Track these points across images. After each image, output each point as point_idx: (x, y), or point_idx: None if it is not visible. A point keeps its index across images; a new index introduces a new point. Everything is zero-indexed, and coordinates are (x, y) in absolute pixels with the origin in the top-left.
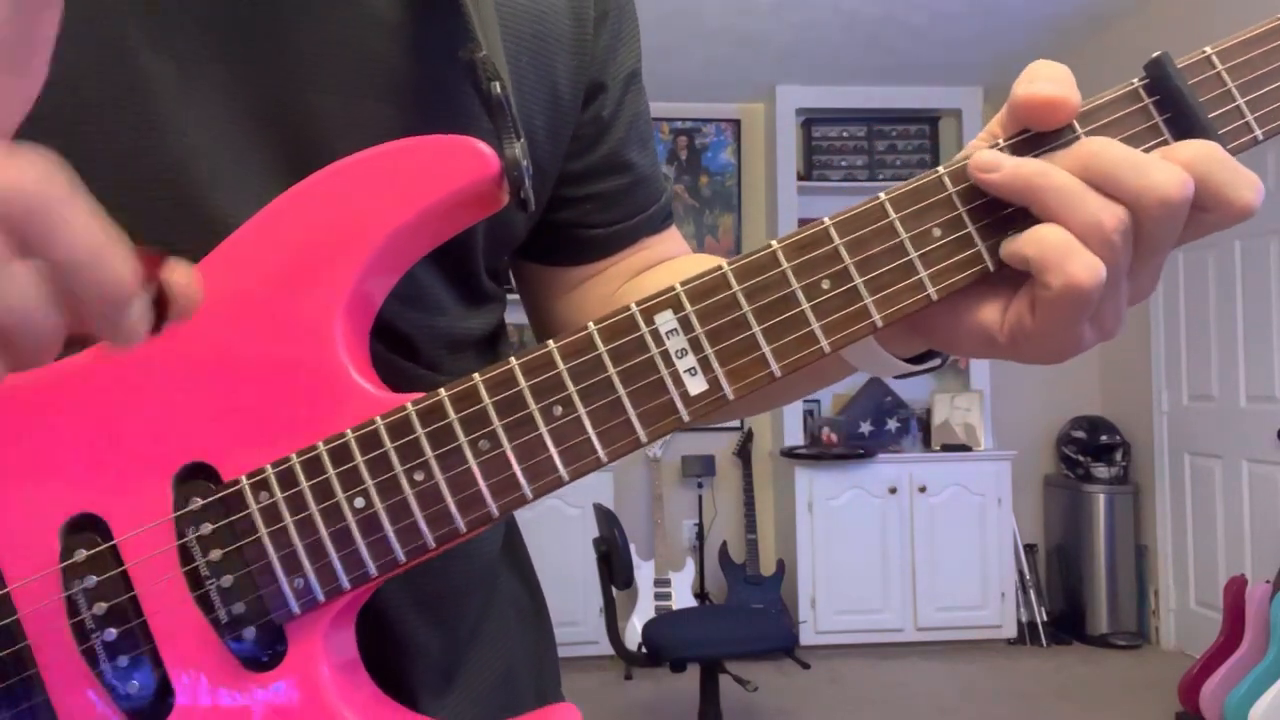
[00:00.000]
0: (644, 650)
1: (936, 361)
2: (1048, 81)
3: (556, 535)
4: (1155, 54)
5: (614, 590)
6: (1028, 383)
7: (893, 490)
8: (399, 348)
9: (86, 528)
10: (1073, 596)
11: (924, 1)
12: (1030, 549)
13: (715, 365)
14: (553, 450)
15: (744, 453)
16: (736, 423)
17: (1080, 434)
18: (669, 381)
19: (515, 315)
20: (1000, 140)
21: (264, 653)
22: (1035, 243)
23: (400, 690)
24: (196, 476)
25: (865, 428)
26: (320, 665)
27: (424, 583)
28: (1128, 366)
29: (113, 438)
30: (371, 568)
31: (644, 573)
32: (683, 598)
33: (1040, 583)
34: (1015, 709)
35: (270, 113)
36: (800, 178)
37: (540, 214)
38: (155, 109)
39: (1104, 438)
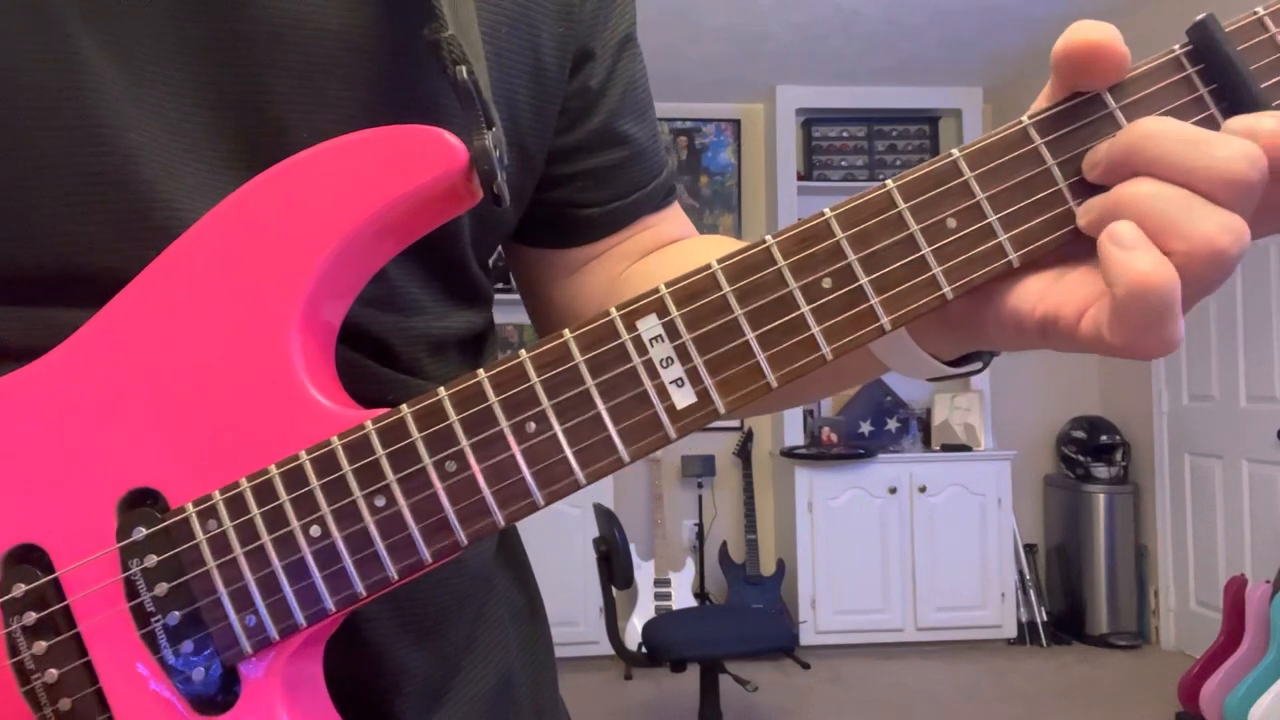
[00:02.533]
0: (644, 650)
1: (977, 365)
2: (1090, 29)
3: (556, 535)
4: (1200, 16)
5: (614, 590)
6: (1028, 383)
7: (893, 490)
8: (374, 353)
9: (25, 559)
10: (1073, 596)
11: (924, 1)
12: (1030, 549)
13: (704, 375)
14: (526, 472)
15: (744, 453)
16: (736, 423)
17: (1080, 434)
18: (654, 394)
19: (520, 315)
20: (1025, 118)
21: (216, 694)
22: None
23: (383, 716)
24: (143, 503)
25: (865, 428)
26: (277, 710)
27: (411, 600)
28: (1128, 366)
29: (53, 462)
30: (329, 603)
31: (644, 573)
32: (683, 598)
33: (1040, 583)
34: (1015, 709)
35: (225, 98)
36: (800, 178)
37: (531, 194)
38: (96, 103)
39: (1104, 438)
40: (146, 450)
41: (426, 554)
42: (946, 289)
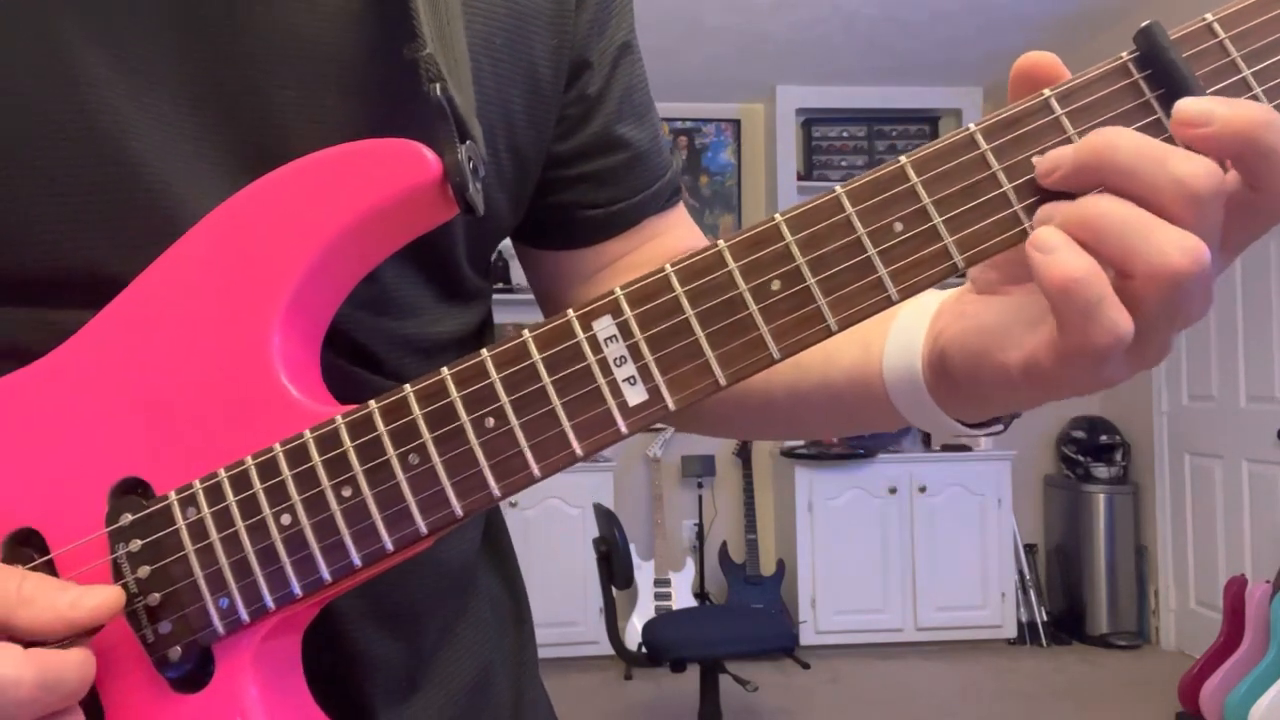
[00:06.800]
0: (644, 650)
1: (999, 427)
2: (1033, 52)
3: (556, 535)
4: (1145, 23)
5: (614, 590)
6: None
7: (893, 490)
8: (358, 359)
9: (25, 542)
10: (1073, 596)
11: (923, 1)
12: (1030, 549)
13: (655, 373)
14: (484, 464)
15: (744, 453)
16: None
17: (1080, 434)
18: (606, 391)
19: (519, 315)
20: (972, 125)
21: (193, 673)
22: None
23: (357, 704)
24: (132, 491)
25: None
26: (247, 689)
27: (385, 593)
28: None
29: (51, 452)
30: (296, 587)
31: (644, 573)
32: (683, 598)
33: (1040, 583)
34: (1015, 709)
35: (225, 111)
36: (800, 178)
37: (533, 198)
38: (98, 114)
39: (1104, 438)
40: (137, 442)
41: (388, 542)
42: (893, 291)
